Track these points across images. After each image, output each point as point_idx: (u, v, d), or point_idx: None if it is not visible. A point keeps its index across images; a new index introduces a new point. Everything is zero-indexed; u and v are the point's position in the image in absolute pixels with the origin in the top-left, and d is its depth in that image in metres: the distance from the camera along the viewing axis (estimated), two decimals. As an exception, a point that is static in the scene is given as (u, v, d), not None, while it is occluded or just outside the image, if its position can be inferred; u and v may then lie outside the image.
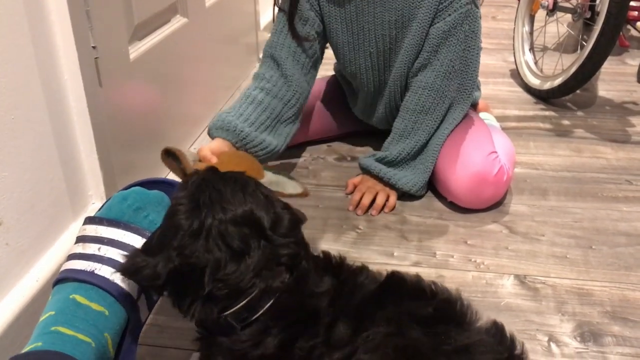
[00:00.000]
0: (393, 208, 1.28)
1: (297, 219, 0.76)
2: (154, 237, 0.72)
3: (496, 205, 1.27)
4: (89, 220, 0.81)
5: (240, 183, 0.74)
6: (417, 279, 0.74)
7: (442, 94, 1.25)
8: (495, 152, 1.25)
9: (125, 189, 0.85)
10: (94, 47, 1.01)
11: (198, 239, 0.68)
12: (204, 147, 1.07)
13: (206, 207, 0.70)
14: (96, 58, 1.02)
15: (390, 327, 0.65)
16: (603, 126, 1.63)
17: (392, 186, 1.29)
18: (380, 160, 1.30)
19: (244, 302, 0.68)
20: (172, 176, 1.11)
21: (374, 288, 0.73)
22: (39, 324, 0.69)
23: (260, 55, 1.36)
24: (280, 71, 1.25)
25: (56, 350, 0.64)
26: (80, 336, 0.67)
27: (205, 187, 0.72)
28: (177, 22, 1.40)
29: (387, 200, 1.28)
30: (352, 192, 1.32)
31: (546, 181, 1.37)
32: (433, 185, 1.33)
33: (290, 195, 1.08)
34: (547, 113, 1.72)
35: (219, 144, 1.13)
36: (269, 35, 1.30)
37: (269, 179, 1.08)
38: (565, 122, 1.66)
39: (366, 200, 1.27)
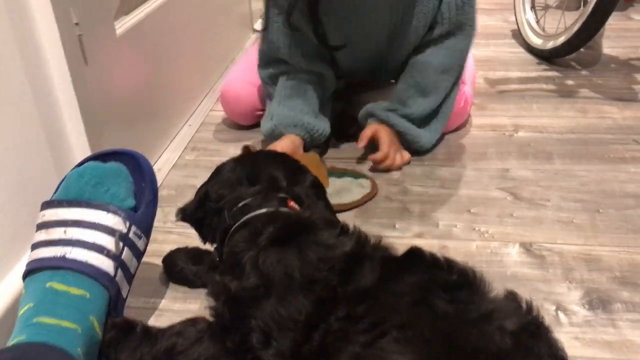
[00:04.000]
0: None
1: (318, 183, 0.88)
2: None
3: (500, 171, 1.24)
4: (47, 205, 0.79)
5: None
6: (433, 254, 0.73)
7: (462, 55, 1.25)
8: (463, 82, 1.32)
9: (79, 165, 0.83)
10: (76, 24, 0.97)
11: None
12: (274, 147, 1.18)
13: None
14: (80, 35, 0.98)
15: (415, 295, 0.64)
16: (608, 85, 1.58)
17: (413, 144, 1.27)
18: (405, 117, 1.25)
19: (241, 203, 0.78)
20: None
21: (397, 256, 0.74)
22: (20, 318, 0.67)
23: (256, 26, 1.33)
24: (302, 65, 1.26)
25: (41, 341, 0.62)
26: (65, 323, 0.65)
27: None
28: (165, -6, 1.35)
29: None
30: (365, 146, 1.25)
31: (551, 144, 1.33)
32: (434, 155, 1.30)
33: (358, 203, 1.14)
34: (550, 73, 1.67)
35: (286, 142, 1.21)
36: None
37: (334, 186, 1.16)
38: (569, 82, 1.62)
39: (399, 161, 1.25)
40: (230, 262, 0.72)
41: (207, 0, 1.60)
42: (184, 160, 1.35)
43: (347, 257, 0.69)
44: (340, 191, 1.17)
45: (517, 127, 1.40)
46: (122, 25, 1.15)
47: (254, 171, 0.83)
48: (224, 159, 1.30)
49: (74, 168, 0.82)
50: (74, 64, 0.96)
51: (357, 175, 1.22)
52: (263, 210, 0.75)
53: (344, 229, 0.75)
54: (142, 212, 0.81)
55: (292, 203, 0.77)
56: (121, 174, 0.81)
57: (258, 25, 1.93)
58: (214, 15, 1.67)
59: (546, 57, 1.73)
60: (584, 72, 1.67)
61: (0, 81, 0.84)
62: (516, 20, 1.88)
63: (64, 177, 0.81)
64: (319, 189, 0.88)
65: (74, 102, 0.98)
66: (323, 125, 1.27)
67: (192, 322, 0.73)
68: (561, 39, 1.64)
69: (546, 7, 2.00)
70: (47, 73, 0.94)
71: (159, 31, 1.31)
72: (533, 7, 1.86)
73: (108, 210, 0.78)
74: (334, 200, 1.13)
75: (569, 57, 1.71)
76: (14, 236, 0.88)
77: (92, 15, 1.03)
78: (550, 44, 1.70)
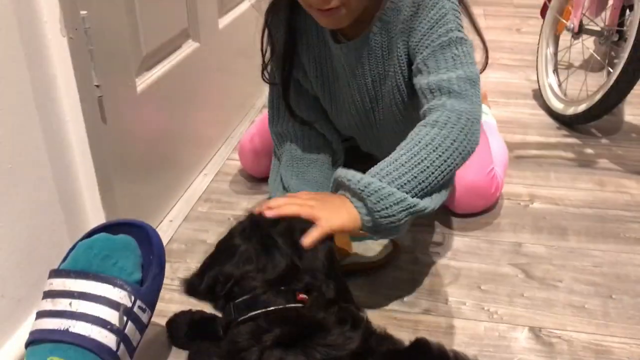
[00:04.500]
0: None
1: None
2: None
3: (513, 245, 1.22)
4: (55, 274, 0.80)
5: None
6: (441, 346, 0.73)
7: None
8: (493, 167, 1.29)
9: (89, 235, 0.84)
10: (97, 86, 0.98)
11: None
12: None
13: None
14: (100, 97, 0.99)
15: None
16: (628, 156, 1.57)
17: None
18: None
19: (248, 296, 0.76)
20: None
21: (402, 349, 0.73)
22: None
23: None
24: (307, 124, 1.23)
25: None
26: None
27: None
28: (189, 47, 1.37)
29: None
30: None
31: (566, 218, 1.31)
32: (447, 223, 1.29)
33: (382, 261, 1.15)
34: (569, 140, 1.66)
35: None
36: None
37: (358, 248, 1.17)
38: (589, 150, 1.60)
39: None
40: (232, 352, 0.72)
41: (229, 51, 1.62)
42: (196, 212, 1.35)
43: (354, 355, 0.69)
44: (366, 250, 1.16)
45: (532, 197, 1.39)
46: (143, 82, 1.17)
47: (263, 249, 0.83)
48: (236, 213, 1.31)
49: (83, 238, 0.83)
50: (92, 125, 0.98)
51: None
52: (271, 308, 0.74)
53: (354, 322, 0.74)
54: (147, 286, 0.81)
55: (301, 296, 0.76)
56: (130, 247, 0.82)
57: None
58: (235, 64, 1.68)
59: (567, 122, 1.72)
60: (604, 141, 1.65)
61: (19, 143, 0.86)
62: (538, 81, 1.88)
63: (73, 246, 0.82)
64: (332, 263, 0.87)
65: (90, 163, 0.99)
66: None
67: None
68: (582, 106, 1.63)
69: (569, 67, 2.00)
70: (64, 134, 0.96)
71: (180, 84, 1.32)
72: (556, 70, 1.85)
73: (114, 284, 0.78)
74: (359, 258, 1.14)
75: (589, 124, 1.70)
76: (21, 297, 0.89)
77: (114, 76, 1.05)
78: (571, 110, 1.68)
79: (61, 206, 0.96)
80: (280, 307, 0.74)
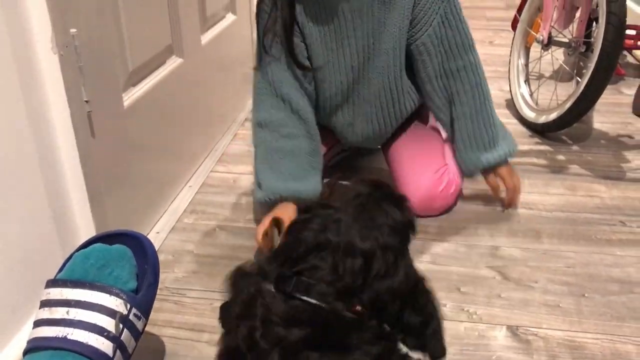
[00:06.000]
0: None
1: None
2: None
3: (490, 248, 1.27)
4: (52, 283, 0.82)
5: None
6: None
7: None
8: (446, 164, 1.38)
9: (85, 245, 0.86)
10: (86, 102, 1.01)
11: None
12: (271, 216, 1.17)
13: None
14: (89, 112, 1.02)
15: None
16: (598, 162, 1.63)
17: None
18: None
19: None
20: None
21: None
22: None
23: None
24: (289, 108, 1.27)
25: None
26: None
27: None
28: (173, 63, 1.40)
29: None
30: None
31: (540, 222, 1.37)
32: (426, 229, 1.33)
33: None
34: (542, 147, 1.72)
35: (282, 209, 1.21)
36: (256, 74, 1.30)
37: None
38: (560, 157, 1.67)
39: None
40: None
41: (212, 66, 1.65)
42: (182, 223, 1.38)
43: None
44: None
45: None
46: (130, 97, 1.20)
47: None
48: (221, 223, 1.34)
49: (80, 248, 0.85)
50: (82, 140, 1.01)
51: None
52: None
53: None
54: (143, 294, 0.84)
55: (357, 308, 0.72)
56: (125, 257, 0.85)
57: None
58: (218, 78, 1.72)
59: (539, 130, 1.78)
60: (574, 147, 1.72)
61: (10, 158, 0.88)
62: (510, 91, 1.95)
63: (70, 256, 0.85)
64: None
65: (79, 175, 1.02)
66: (314, 181, 1.28)
67: None
68: (553, 115, 1.70)
69: (540, 77, 2.07)
70: (55, 148, 0.98)
71: (165, 99, 1.35)
72: (527, 80, 1.92)
73: (111, 293, 0.81)
74: None
75: (560, 131, 1.77)
76: (15, 307, 0.91)
77: (102, 91, 1.08)
78: (543, 118, 1.75)
79: (53, 219, 0.99)
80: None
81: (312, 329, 0.67)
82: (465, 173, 1.38)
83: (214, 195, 1.50)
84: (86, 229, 1.06)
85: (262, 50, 1.25)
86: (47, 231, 0.98)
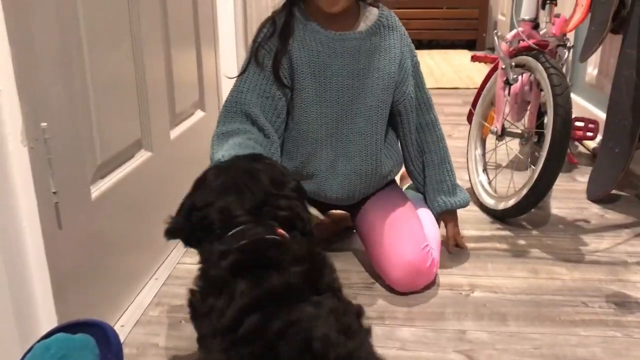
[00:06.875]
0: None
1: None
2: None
3: (457, 332, 1.28)
4: None
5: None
6: None
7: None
8: (427, 244, 1.42)
9: (47, 335, 0.85)
10: (54, 193, 1.03)
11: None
12: None
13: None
14: (56, 203, 1.04)
15: None
16: (557, 245, 1.68)
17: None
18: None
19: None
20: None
21: None
22: None
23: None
24: (257, 126, 1.33)
25: None
26: None
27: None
28: (142, 156, 1.43)
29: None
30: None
31: (505, 305, 1.39)
32: (394, 314, 1.34)
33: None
34: (503, 233, 1.77)
35: None
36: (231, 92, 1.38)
37: None
38: (521, 241, 1.71)
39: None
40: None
41: (181, 159, 1.69)
42: (147, 316, 1.36)
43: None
44: None
45: (472, 287, 1.47)
46: (98, 189, 1.22)
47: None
48: (187, 316, 1.32)
49: (41, 339, 0.84)
50: (48, 231, 1.01)
51: None
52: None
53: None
54: (105, 384, 0.82)
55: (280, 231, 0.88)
56: (88, 346, 0.83)
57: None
58: (183, 173, 1.75)
59: (499, 217, 1.84)
60: (534, 232, 1.77)
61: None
62: (470, 180, 2.02)
63: (31, 348, 0.83)
64: (301, 193, 1.03)
65: (45, 268, 1.01)
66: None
67: None
68: (512, 201, 1.76)
69: (497, 166, 2.16)
70: (21, 240, 0.98)
71: (133, 191, 1.37)
72: (485, 169, 2.00)
73: (70, 384, 0.79)
74: None
75: (520, 217, 1.83)
76: (-31, 406, 0.87)
77: (70, 183, 1.09)
78: (502, 205, 1.81)
79: (13, 311, 0.97)
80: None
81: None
82: (436, 218, 1.55)
83: (180, 288, 1.48)
84: (48, 323, 1.03)
85: (248, 63, 1.36)
86: (6, 326, 0.96)
